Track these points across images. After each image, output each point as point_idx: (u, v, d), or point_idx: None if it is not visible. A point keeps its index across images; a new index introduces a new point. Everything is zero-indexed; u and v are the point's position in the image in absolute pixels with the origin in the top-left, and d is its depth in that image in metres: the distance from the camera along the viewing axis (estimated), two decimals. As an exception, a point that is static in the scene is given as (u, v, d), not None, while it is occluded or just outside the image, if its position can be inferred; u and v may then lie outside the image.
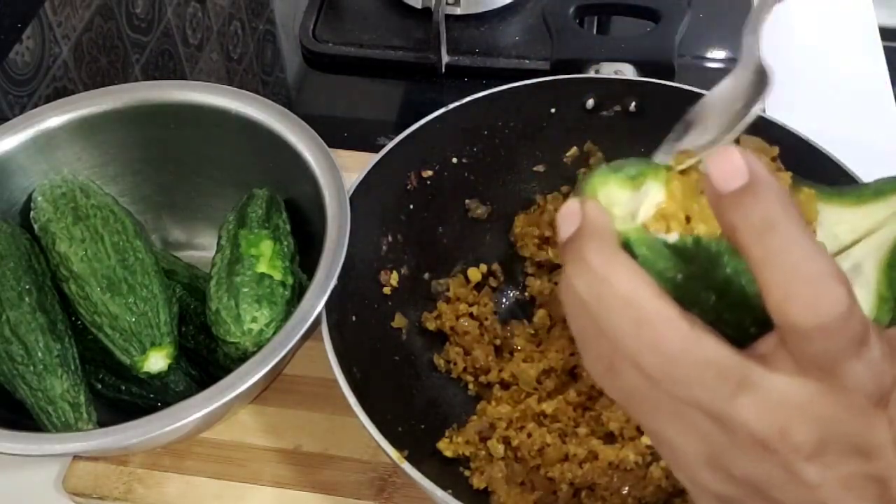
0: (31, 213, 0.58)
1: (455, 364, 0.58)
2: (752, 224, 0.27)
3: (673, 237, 0.30)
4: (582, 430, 0.53)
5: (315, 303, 0.49)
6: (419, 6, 0.86)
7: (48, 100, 0.68)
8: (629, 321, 0.29)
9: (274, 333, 0.50)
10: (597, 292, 0.29)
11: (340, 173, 0.55)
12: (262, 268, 0.53)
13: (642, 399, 0.30)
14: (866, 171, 0.53)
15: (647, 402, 0.30)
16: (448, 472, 0.52)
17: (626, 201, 0.31)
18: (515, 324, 0.60)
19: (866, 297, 0.33)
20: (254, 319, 0.51)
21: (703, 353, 0.28)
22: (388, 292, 0.58)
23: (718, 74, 0.87)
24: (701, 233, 0.31)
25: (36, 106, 0.60)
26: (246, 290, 0.52)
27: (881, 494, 0.29)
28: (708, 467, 0.30)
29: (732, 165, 0.27)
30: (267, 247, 0.54)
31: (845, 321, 0.26)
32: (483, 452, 0.53)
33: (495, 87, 0.60)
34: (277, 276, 0.53)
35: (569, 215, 0.31)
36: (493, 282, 0.62)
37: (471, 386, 0.58)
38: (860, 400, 0.28)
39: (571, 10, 0.81)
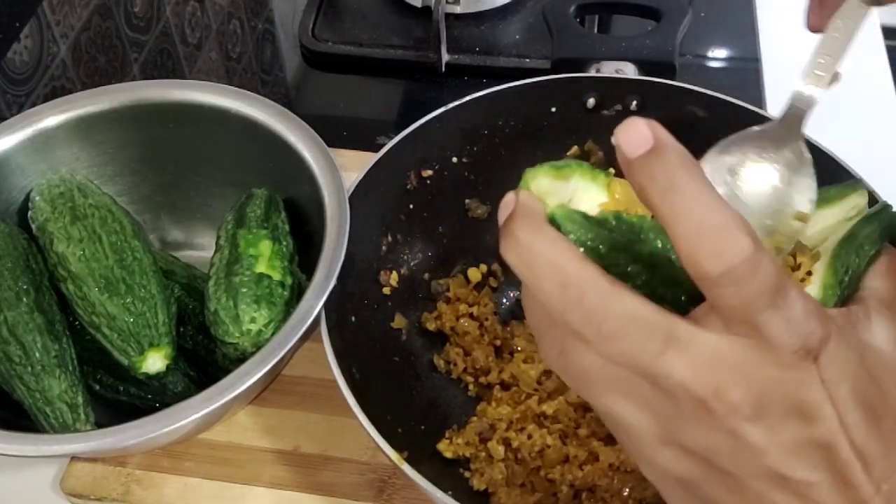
0: (29, 212, 0.57)
1: (455, 365, 0.58)
2: (657, 183, 0.29)
3: (594, 211, 0.33)
4: (582, 432, 0.52)
5: (314, 303, 0.49)
6: (419, 5, 0.86)
7: (46, 99, 0.68)
8: (555, 284, 0.31)
9: (273, 334, 0.50)
10: (525, 261, 0.32)
11: (340, 173, 0.55)
12: (261, 268, 0.53)
13: (590, 377, 0.32)
14: (868, 171, 0.53)
15: (594, 380, 0.32)
16: (448, 474, 0.52)
17: (556, 191, 0.35)
18: (516, 324, 0.59)
19: (816, 290, 0.36)
20: (252, 320, 0.50)
21: (625, 307, 0.30)
22: (388, 292, 0.58)
23: (720, 73, 0.87)
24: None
25: (34, 105, 0.60)
26: (245, 290, 0.51)
27: (830, 462, 0.30)
28: (662, 444, 0.32)
29: (638, 133, 0.30)
30: (266, 247, 0.54)
31: (752, 267, 0.28)
32: (483, 454, 0.53)
33: (495, 86, 0.60)
34: (276, 276, 0.53)
35: (505, 204, 0.34)
36: (493, 282, 0.62)
37: (471, 387, 0.57)
38: (788, 357, 0.30)
39: (572, 8, 0.81)
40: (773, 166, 0.43)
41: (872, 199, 0.41)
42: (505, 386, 0.56)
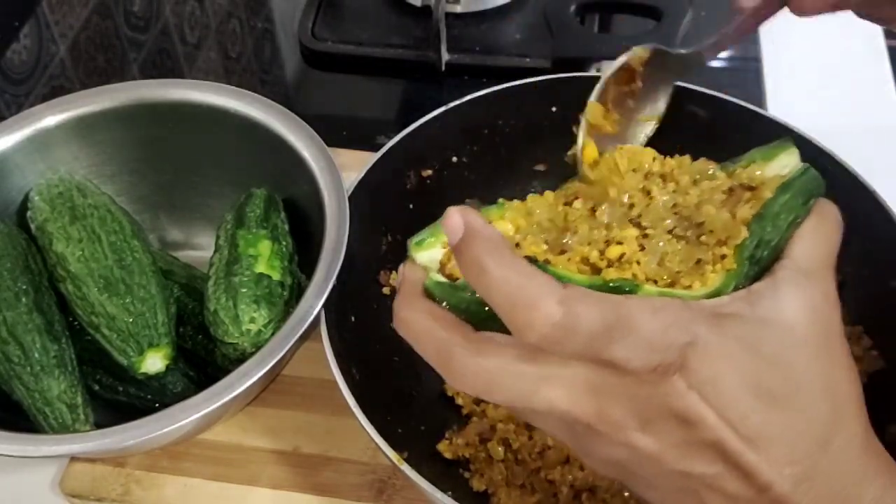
0: (28, 212, 0.57)
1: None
2: (468, 267, 0.33)
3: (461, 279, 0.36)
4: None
5: (314, 303, 0.49)
6: (419, 4, 0.86)
7: (45, 99, 0.68)
8: (432, 350, 0.35)
9: (272, 334, 0.50)
10: (407, 333, 0.36)
11: (339, 172, 0.55)
12: (261, 268, 0.53)
13: (510, 410, 0.39)
14: (869, 170, 0.53)
15: (513, 412, 0.38)
16: (448, 474, 0.52)
17: (436, 256, 0.38)
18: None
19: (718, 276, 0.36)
20: (252, 320, 0.50)
21: (488, 363, 0.33)
22: (388, 292, 0.58)
23: (719, 73, 0.87)
24: None
25: (33, 105, 0.60)
26: (244, 290, 0.51)
27: (723, 458, 0.32)
28: (583, 454, 0.36)
29: (453, 222, 0.34)
30: (265, 247, 0.54)
31: (567, 327, 0.31)
32: (483, 454, 0.53)
33: (495, 85, 0.60)
34: (276, 276, 0.53)
35: (398, 277, 0.38)
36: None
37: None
38: (647, 375, 0.32)
39: (572, 7, 0.81)
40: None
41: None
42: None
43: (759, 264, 0.36)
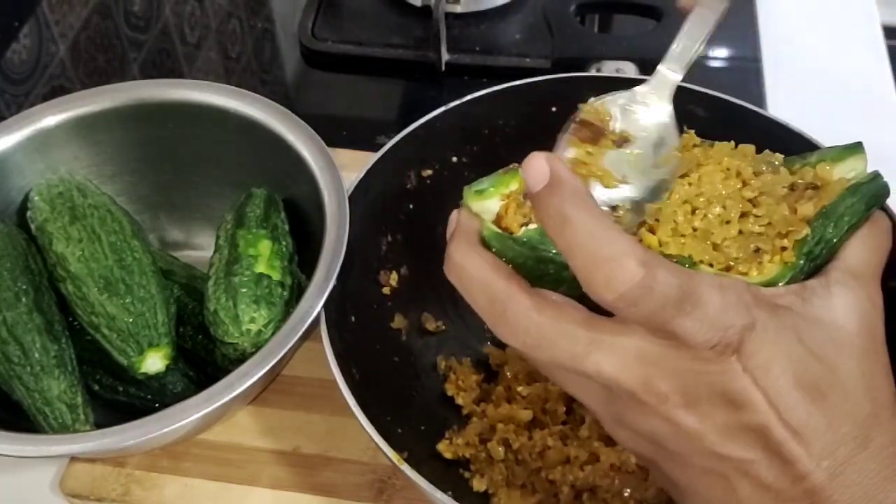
0: (28, 212, 0.57)
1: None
2: (551, 218, 0.32)
3: (522, 231, 0.36)
4: (583, 432, 0.52)
5: (314, 303, 0.49)
6: (419, 4, 0.86)
7: (45, 99, 0.68)
8: (485, 300, 0.35)
9: (272, 334, 0.50)
10: (460, 281, 0.35)
11: (339, 172, 0.55)
12: (261, 268, 0.53)
13: (548, 373, 0.37)
14: (869, 170, 0.53)
15: (551, 375, 0.37)
16: (448, 474, 0.52)
17: (492, 207, 0.37)
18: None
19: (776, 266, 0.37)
20: (252, 320, 0.50)
21: (543, 319, 0.33)
22: (388, 292, 0.58)
23: (720, 73, 0.87)
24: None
25: (33, 105, 0.60)
26: (244, 290, 0.51)
27: (765, 443, 0.32)
28: (616, 425, 0.36)
29: (537, 169, 0.33)
30: (265, 247, 0.54)
31: (644, 289, 0.31)
32: (483, 454, 0.53)
33: (495, 85, 0.60)
34: (276, 276, 0.53)
35: (449, 222, 0.37)
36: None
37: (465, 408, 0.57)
38: (706, 352, 0.32)
39: (572, 7, 0.81)
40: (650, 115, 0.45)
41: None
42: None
43: (816, 261, 0.37)
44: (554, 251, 0.35)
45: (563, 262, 0.34)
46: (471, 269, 0.35)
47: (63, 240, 0.54)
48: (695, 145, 0.41)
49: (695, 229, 0.38)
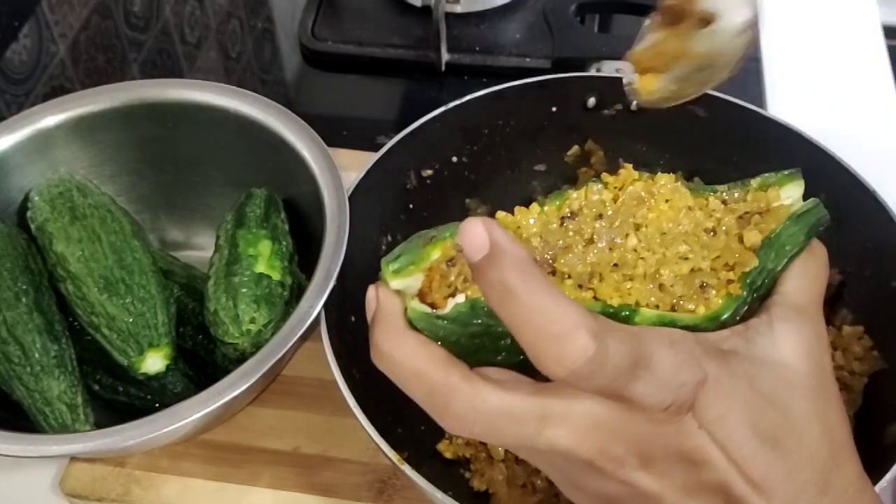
0: (28, 212, 0.57)
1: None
2: (494, 289, 0.30)
3: (451, 303, 0.33)
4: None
5: (314, 303, 0.49)
6: (419, 4, 0.86)
7: (45, 99, 0.68)
8: (423, 393, 0.32)
9: (272, 334, 0.50)
10: (392, 372, 0.33)
11: (339, 172, 0.55)
12: (261, 268, 0.53)
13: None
14: (870, 170, 0.53)
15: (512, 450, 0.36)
16: (448, 474, 0.52)
17: (414, 283, 0.35)
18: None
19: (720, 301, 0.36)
20: (252, 320, 0.50)
21: (488, 405, 0.31)
22: (388, 292, 0.58)
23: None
24: (474, 294, 0.34)
25: (33, 105, 0.60)
26: (244, 290, 0.51)
27: (727, 499, 0.32)
28: (572, 489, 0.35)
29: (477, 237, 0.30)
30: (265, 247, 0.54)
31: (596, 363, 0.29)
32: (483, 454, 0.53)
33: (496, 85, 0.60)
34: (276, 276, 0.53)
35: (368, 303, 0.35)
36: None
37: None
38: (659, 414, 0.31)
39: (572, 7, 0.81)
40: None
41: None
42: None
43: (758, 292, 0.37)
44: (489, 322, 0.33)
45: (499, 332, 0.33)
46: (403, 360, 0.33)
47: (63, 240, 0.54)
48: (635, 180, 0.40)
49: (644, 274, 0.36)
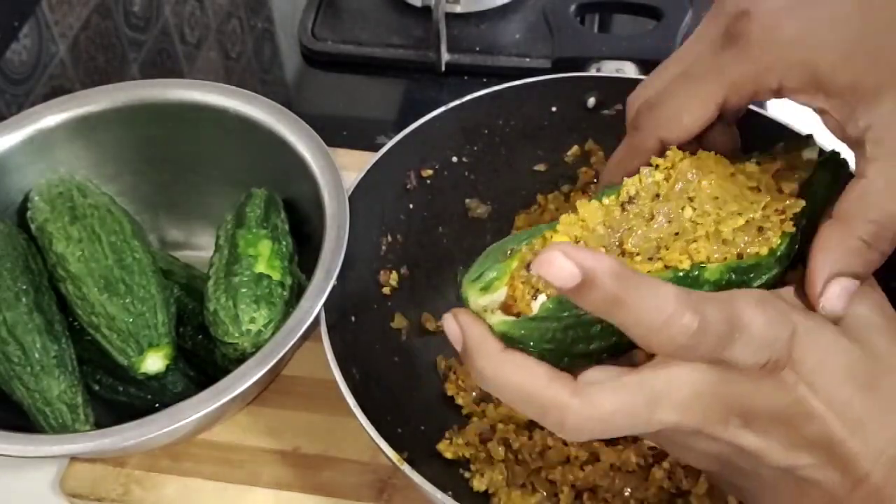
0: (28, 212, 0.57)
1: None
2: (599, 307, 0.32)
3: (537, 304, 0.35)
4: (583, 432, 0.52)
5: (314, 303, 0.49)
6: (419, 4, 0.86)
7: (45, 98, 0.67)
8: (536, 413, 0.34)
9: (272, 334, 0.50)
10: (502, 395, 0.35)
11: (339, 172, 0.55)
12: (261, 268, 0.53)
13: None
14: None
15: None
16: (448, 474, 0.52)
17: (498, 297, 0.36)
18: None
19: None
20: (252, 320, 0.50)
21: (603, 411, 0.33)
22: (388, 292, 0.58)
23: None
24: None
25: (33, 105, 0.60)
26: (244, 290, 0.51)
27: (827, 447, 0.33)
28: (680, 450, 0.37)
29: (563, 270, 0.31)
30: (265, 247, 0.54)
31: (700, 334, 0.31)
32: (483, 454, 0.53)
33: (496, 85, 0.60)
34: (276, 276, 0.53)
35: (452, 335, 0.36)
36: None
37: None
38: (757, 372, 0.33)
39: (572, 7, 0.81)
40: None
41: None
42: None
43: (804, 230, 0.39)
44: (577, 312, 0.35)
45: (589, 319, 0.34)
46: (510, 383, 0.34)
47: (63, 240, 0.54)
48: (682, 158, 0.42)
49: (706, 234, 0.38)
